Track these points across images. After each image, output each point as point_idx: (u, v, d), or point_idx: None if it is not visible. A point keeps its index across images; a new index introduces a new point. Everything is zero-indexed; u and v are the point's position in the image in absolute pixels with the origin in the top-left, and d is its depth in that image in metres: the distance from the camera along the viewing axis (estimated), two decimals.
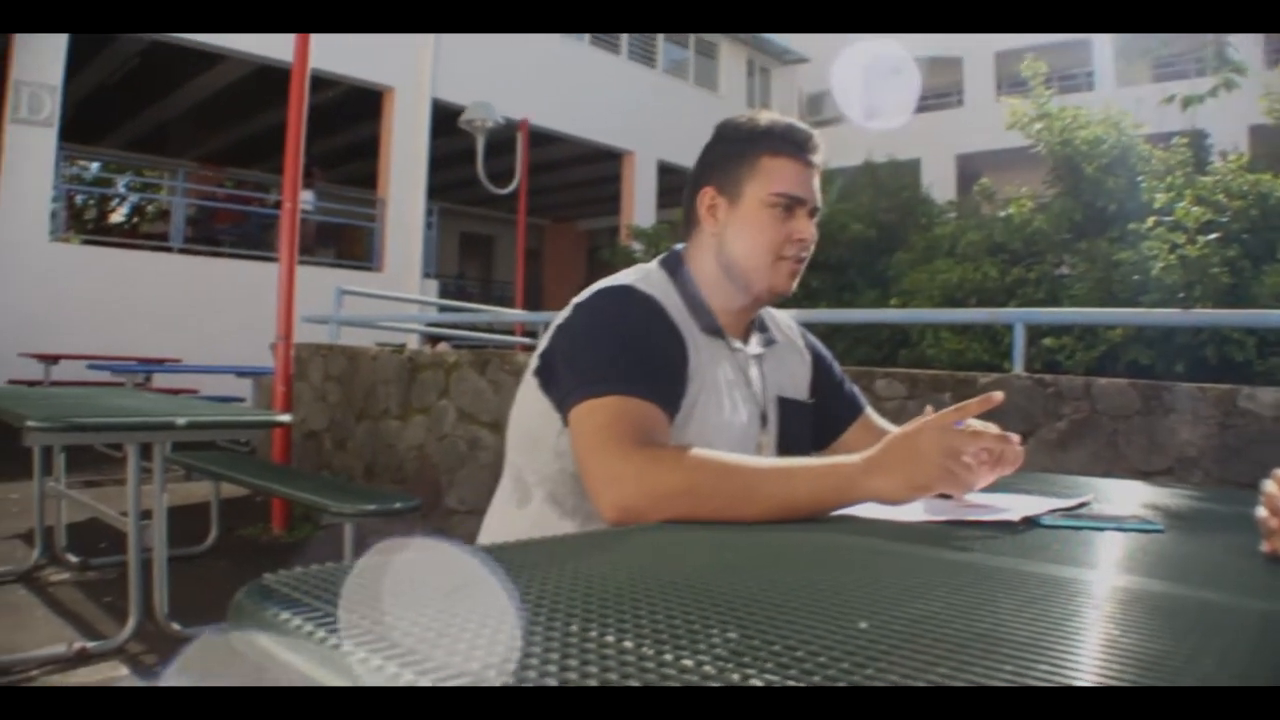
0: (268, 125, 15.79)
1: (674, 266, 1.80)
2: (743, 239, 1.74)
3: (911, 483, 1.34)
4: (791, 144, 1.74)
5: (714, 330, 1.75)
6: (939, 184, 15.25)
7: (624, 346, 1.56)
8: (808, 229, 1.75)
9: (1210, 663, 0.70)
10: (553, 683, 0.58)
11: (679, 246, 1.86)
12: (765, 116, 1.78)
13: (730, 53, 23.06)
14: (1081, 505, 1.58)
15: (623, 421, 1.44)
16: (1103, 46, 20.25)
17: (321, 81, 12.69)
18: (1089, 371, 6.56)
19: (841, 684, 0.60)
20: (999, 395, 1.41)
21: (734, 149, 1.76)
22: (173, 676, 3.53)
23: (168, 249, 13.92)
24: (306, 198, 13.80)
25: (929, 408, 1.48)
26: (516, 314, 12.12)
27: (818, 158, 1.77)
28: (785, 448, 1.82)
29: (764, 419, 1.81)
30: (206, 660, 3.57)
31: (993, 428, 1.55)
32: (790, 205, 1.72)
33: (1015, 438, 1.51)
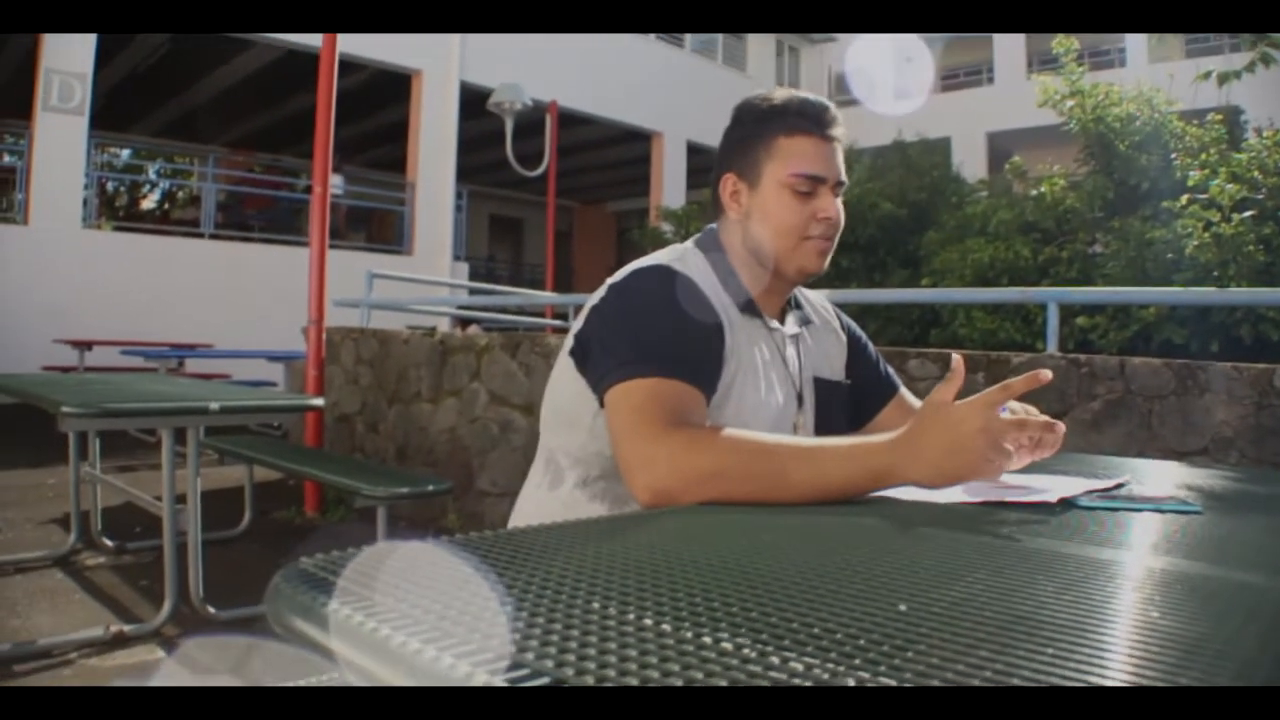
0: (297, 110, 15.88)
1: (709, 247, 1.78)
2: (767, 223, 1.71)
3: (950, 472, 1.31)
4: (807, 120, 1.69)
5: (750, 310, 1.73)
6: (969, 162, 15.18)
7: (660, 327, 1.55)
8: (832, 206, 1.70)
9: (1252, 646, 0.69)
10: (592, 665, 0.58)
11: (713, 226, 1.84)
12: (780, 95, 1.73)
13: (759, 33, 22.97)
14: (1118, 486, 1.57)
15: (658, 403, 1.43)
16: None
17: (349, 66, 12.73)
18: (1122, 351, 6.52)
19: (882, 667, 0.60)
20: (1047, 374, 1.36)
21: (750, 132, 1.73)
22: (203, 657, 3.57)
23: (199, 234, 14.02)
24: (335, 181, 13.84)
25: (956, 355, 1.44)
26: (547, 296, 12.13)
27: (837, 130, 1.72)
28: (821, 428, 1.81)
29: (800, 399, 1.80)
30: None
31: (1034, 411, 1.54)
32: (811, 184, 1.69)
33: (1060, 426, 1.49)
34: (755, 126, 1.72)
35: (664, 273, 1.63)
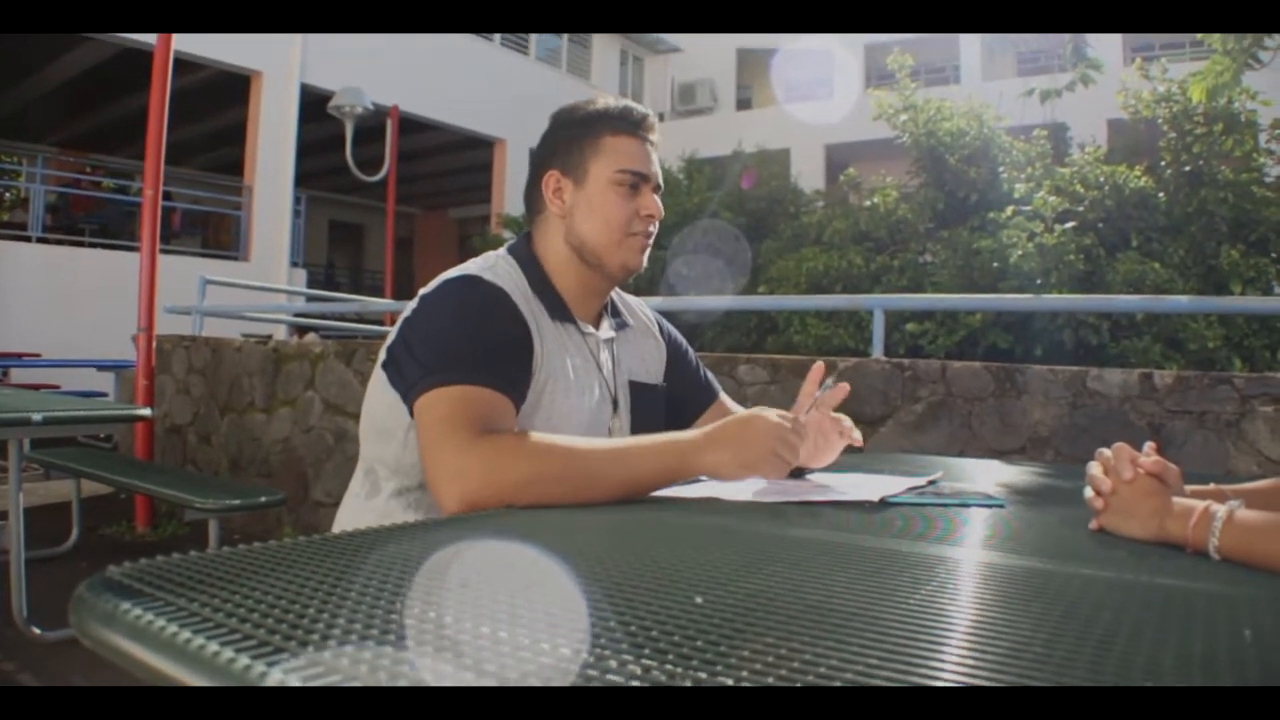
0: (133, 109, 15.37)
1: (521, 253, 1.80)
2: (592, 218, 1.75)
3: (740, 461, 1.46)
4: (631, 123, 1.78)
5: (563, 316, 1.76)
6: (808, 174, 15.47)
7: (467, 336, 1.56)
8: (654, 204, 1.78)
9: (1027, 625, 0.74)
10: (406, 669, 0.59)
11: (527, 233, 1.86)
12: (601, 100, 1.81)
13: (603, 42, 23.06)
14: (930, 484, 1.63)
15: (466, 411, 1.45)
16: (970, 41, 20.63)
17: (186, 65, 12.41)
18: (950, 355, 6.74)
19: (670, 656, 0.62)
20: (820, 366, 1.58)
21: (575, 132, 1.78)
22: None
23: (26, 238, 13.49)
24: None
25: (819, 364, 1.55)
26: (384, 303, 11.96)
27: (655, 136, 1.82)
28: (638, 430, 1.84)
29: (615, 403, 1.83)
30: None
31: (844, 418, 1.65)
32: (636, 182, 1.76)
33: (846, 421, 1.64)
34: (580, 127, 1.78)
35: (471, 281, 1.65)
